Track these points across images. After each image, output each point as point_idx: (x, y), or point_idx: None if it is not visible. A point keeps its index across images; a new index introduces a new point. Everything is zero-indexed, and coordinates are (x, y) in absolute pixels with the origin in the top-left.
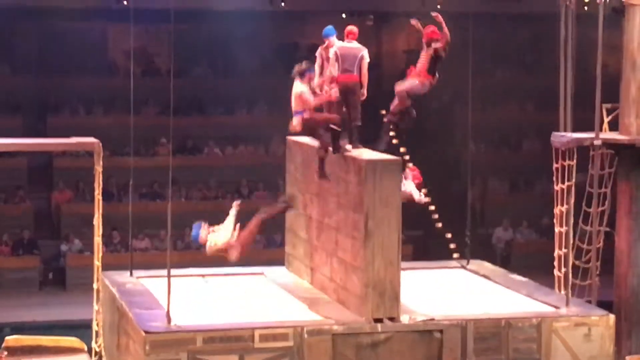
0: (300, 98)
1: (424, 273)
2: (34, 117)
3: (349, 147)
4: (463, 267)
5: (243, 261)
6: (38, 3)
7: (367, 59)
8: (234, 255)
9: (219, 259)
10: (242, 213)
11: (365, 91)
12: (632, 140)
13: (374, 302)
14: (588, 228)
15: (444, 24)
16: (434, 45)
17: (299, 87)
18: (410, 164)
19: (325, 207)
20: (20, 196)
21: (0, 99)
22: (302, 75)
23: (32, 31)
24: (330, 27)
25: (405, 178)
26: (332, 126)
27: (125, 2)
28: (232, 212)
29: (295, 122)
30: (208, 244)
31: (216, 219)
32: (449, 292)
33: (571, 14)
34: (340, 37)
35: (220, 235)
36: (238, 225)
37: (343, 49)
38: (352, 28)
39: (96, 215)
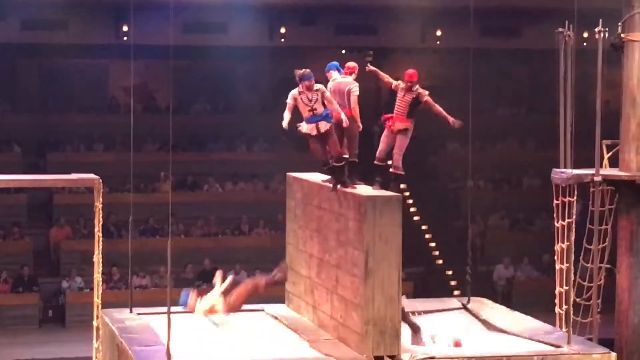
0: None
1: (424, 310)
2: (34, 154)
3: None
4: (463, 304)
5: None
6: (38, 40)
7: (355, 93)
8: (223, 311)
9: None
10: (240, 250)
11: (359, 124)
12: (632, 177)
13: (375, 340)
14: (589, 265)
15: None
16: (415, 89)
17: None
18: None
19: (325, 243)
20: (19, 233)
21: (1, 135)
22: (301, 80)
23: (32, 68)
24: (334, 62)
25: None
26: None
27: (125, 39)
28: (217, 282)
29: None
30: (196, 310)
31: (216, 256)
32: (450, 330)
33: (570, 49)
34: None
35: (208, 302)
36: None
37: (336, 84)
38: (350, 63)
39: (96, 252)
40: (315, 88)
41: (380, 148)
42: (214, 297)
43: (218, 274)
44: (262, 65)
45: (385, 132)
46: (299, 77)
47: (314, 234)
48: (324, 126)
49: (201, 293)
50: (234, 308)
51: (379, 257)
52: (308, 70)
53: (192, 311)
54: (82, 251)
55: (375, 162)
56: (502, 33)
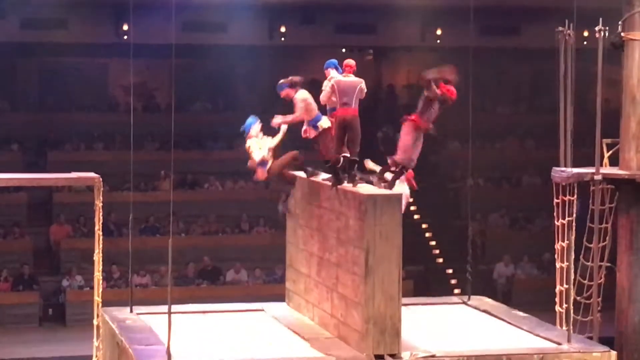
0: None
1: (425, 309)
2: (34, 153)
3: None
4: (464, 303)
5: (243, 298)
6: (38, 39)
7: (364, 91)
8: (259, 175)
9: (219, 295)
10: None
11: None
12: (633, 175)
13: (375, 339)
14: (589, 263)
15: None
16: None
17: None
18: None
19: (325, 242)
20: (20, 231)
21: (1, 134)
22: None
23: (32, 67)
24: (333, 60)
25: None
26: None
27: (125, 38)
28: (282, 129)
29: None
30: (250, 141)
31: (217, 255)
32: (450, 328)
33: (570, 48)
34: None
35: (262, 143)
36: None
37: (341, 82)
38: (349, 61)
39: (96, 251)
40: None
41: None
42: (266, 146)
43: (283, 124)
44: (262, 64)
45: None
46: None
47: (314, 233)
48: (309, 132)
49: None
50: (273, 172)
51: (379, 256)
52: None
53: (248, 136)
54: (82, 250)
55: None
56: (502, 32)
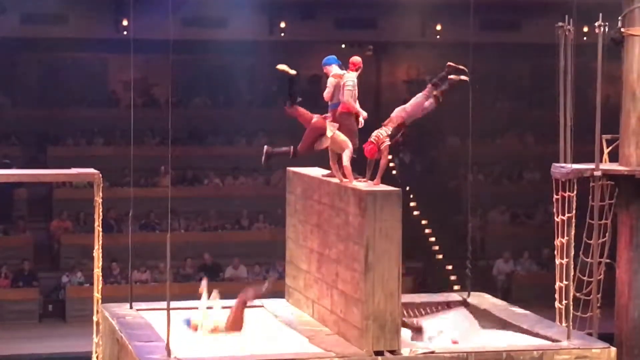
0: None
1: (424, 305)
2: (34, 148)
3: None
4: (464, 299)
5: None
6: (38, 34)
7: (347, 87)
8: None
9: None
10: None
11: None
12: (632, 171)
13: (375, 335)
14: (589, 260)
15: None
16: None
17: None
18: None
19: (325, 238)
20: (20, 227)
21: (1, 129)
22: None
23: (32, 62)
24: (333, 56)
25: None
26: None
27: (125, 33)
28: (204, 295)
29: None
30: (200, 331)
31: (215, 250)
32: (450, 325)
33: (570, 44)
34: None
35: (209, 320)
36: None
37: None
38: (355, 59)
39: (96, 247)
40: None
41: None
42: (214, 316)
43: (203, 284)
44: (262, 59)
45: None
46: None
47: (314, 229)
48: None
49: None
50: (235, 328)
51: (379, 252)
52: None
53: (195, 331)
54: (82, 246)
55: None
56: (502, 27)
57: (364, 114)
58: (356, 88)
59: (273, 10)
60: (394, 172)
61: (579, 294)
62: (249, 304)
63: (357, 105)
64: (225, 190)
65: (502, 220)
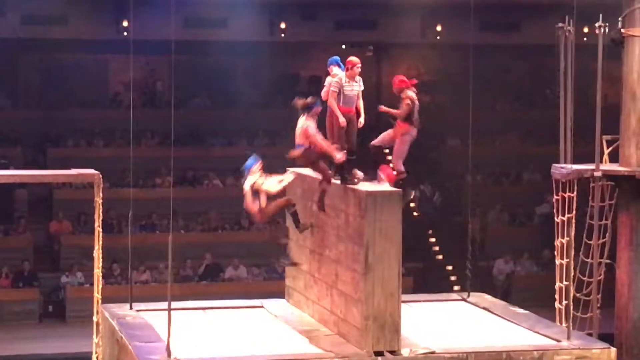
0: (305, 133)
1: (424, 305)
2: (34, 149)
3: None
4: (464, 299)
5: (243, 294)
6: (38, 35)
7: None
8: (256, 218)
9: (219, 291)
10: None
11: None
12: (632, 172)
13: (375, 335)
14: (589, 260)
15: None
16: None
17: (303, 122)
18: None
19: (325, 239)
20: (20, 228)
21: (1, 130)
22: (308, 109)
23: (32, 63)
24: (336, 57)
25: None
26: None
27: (125, 34)
28: (287, 177)
29: (297, 152)
30: (250, 178)
31: (217, 251)
32: (450, 325)
33: (570, 45)
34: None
35: (264, 183)
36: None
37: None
38: (353, 59)
39: (96, 248)
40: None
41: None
42: (269, 185)
43: (291, 173)
44: (263, 60)
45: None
46: (305, 106)
47: (314, 229)
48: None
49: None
50: (268, 214)
51: (379, 253)
52: (310, 97)
53: (249, 174)
54: (82, 246)
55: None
56: (502, 28)
57: (341, 119)
58: (354, 88)
59: (273, 11)
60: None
61: (579, 294)
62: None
63: (361, 104)
64: (226, 191)
65: (502, 221)
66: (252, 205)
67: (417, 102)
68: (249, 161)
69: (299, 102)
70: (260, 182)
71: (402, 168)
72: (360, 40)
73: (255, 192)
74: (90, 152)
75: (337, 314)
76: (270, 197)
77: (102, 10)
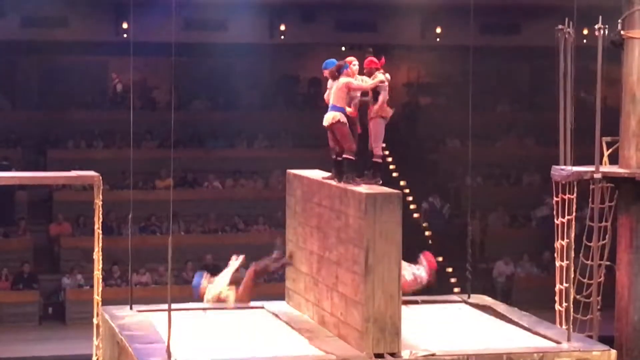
0: (348, 85)
1: (424, 308)
2: (34, 151)
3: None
4: (464, 301)
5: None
6: (38, 37)
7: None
8: (230, 304)
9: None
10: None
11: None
12: (632, 174)
13: (375, 337)
14: (589, 262)
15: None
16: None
17: (340, 80)
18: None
19: (325, 241)
20: (20, 230)
21: (1, 132)
22: (340, 72)
23: (32, 65)
24: (332, 59)
25: (420, 264)
26: (345, 156)
27: (125, 36)
28: (232, 264)
29: (331, 116)
30: (206, 296)
31: (216, 253)
32: (450, 327)
33: (570, 47)
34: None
35: (217, 287)
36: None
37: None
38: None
39: (96, 250)
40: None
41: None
42: (222, 283)
43: (234, 258)
44: (262, 62)
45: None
46: (337, 70)
47: (314, 231)
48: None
49: (213, 276)
50: (242, 300)
51: (379, 254)
52: (343, 62)
53: (201, 296)
54: (82, 248)
55: None
56: (502, 30)
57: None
58: (354, 89)
59: (273, 13)
60: (394, 174)
61: (579, 296)
62: (260, 272)
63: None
64: (226, 193)
65: (502, 223)
66: (230, 304)
67: (386, 84)
68: (195, 280)
69: (331, 69)
70: (216, 292)
71: (382, 152)
72: (360, 42)
73: (220, 301)
74: (90, 154)
75: (337, 316)
76: (236, 285)
77: (102, 12)
